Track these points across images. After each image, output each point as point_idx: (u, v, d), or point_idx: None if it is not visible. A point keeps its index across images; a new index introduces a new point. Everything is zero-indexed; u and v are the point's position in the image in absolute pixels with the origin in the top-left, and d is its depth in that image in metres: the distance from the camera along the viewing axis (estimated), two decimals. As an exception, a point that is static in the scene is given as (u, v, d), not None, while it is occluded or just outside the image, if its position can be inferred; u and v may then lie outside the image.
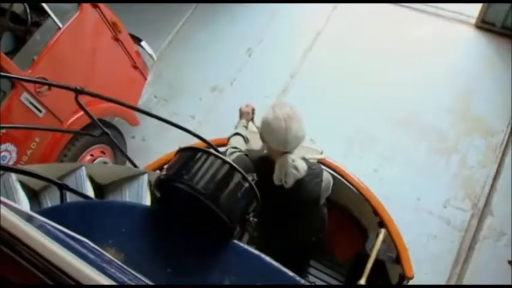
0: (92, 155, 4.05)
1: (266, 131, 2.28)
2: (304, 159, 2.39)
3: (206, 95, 4.96)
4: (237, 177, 1.79)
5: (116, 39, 4.09)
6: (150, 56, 4.65)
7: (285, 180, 2.27)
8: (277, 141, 2.25)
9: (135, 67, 4.39)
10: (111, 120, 4.27)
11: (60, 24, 3.61)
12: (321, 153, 3.21)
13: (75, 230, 1.58)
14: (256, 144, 2.70)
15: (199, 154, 1.80)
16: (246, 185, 1.80)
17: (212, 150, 1.85)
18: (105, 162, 4.14)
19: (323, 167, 2.53)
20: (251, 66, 5.12)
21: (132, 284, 1.27)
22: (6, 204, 1.28)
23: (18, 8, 3.79)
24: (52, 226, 1.52)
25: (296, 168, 2.26)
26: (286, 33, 5.31)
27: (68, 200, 2.38)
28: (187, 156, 1.83)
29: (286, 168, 2.25)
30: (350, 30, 5.16)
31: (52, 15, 3.58)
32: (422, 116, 4.52)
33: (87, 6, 3.76)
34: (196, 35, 5.36)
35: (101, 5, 3.87)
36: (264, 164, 2.32)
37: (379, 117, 4.55)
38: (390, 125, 4.51)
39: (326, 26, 5.23)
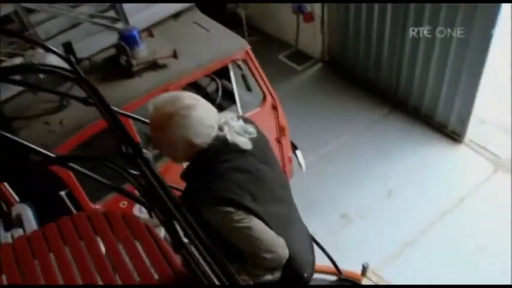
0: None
1: (189, 131, 1.86)
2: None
3: (334, 220, 4.83)
4: None
5: (278, 142, 4.19)
6: (300, 165, 4.68)
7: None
8: (203, 130, 1.89)
9: (283, 172, 4.41)
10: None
11: (240, 112, 3.79)
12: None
13: None
14: None
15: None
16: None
17: None
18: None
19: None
20: (386, 207, 4.97)
21: None
22: None
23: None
24: None
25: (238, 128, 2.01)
26: (433, 186, 5.12)
27: None
28: None
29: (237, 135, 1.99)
30: (503, 204, 4.78)
31: (238, 103, 3.79)
32: None
33: (268, 104, 3.94)
34: (345, 158, 5.42)
35: (279, 108, 4.03)
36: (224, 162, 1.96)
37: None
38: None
39: (477, 193, 4.96)
